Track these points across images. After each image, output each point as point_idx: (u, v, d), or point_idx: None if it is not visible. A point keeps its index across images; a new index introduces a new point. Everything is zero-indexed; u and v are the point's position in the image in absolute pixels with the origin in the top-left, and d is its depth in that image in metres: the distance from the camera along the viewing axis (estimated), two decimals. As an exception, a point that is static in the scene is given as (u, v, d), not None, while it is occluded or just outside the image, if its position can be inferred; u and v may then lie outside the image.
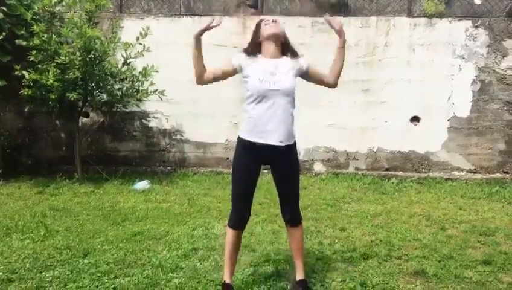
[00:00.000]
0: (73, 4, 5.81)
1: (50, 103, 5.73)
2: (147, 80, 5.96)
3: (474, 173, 6.50)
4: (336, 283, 3.02)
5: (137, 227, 4.13)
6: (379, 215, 4.68)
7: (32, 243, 3.68)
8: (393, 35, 6.47)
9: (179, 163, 6.89)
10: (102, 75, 5.78)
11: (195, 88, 6.66)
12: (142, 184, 5.74)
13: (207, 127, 6.79)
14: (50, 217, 4.42)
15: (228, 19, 6.65)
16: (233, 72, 2.78)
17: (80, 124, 6.39)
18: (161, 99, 6.10)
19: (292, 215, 2.83)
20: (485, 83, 6.40)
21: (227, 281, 2.80)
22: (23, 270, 3.13)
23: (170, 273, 3.12)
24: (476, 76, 6.40)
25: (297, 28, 6.41)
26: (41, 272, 3.11)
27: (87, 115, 6.85)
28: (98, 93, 6.01)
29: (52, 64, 5.54)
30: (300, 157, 6.29)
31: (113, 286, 2.91)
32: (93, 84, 5.89)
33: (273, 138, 2.62)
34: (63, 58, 5.48)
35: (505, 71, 6.35)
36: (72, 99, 5.60)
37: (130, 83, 6.01)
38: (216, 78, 2.87)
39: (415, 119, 6.58)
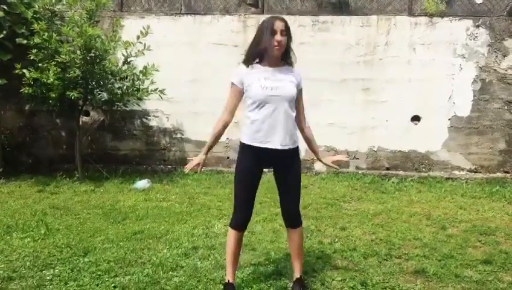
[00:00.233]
0: (74, 3, 5.80)
1: (50, 101, 5.72)
2: (148, 79, 5.95)
3: (475, 172, 6.50)
4: (336, 282, 3.03)
5: (138, 226, 4.13)
6: (379, 214, 4.68)
7: (33, 241, 3.68)
8: (394, 34, 6.46)
9: (179, 162, 6.88)
10: (103, 73, 5.77)
11: (196, 87, 6.74)
12: (143, 183, 5.75)
13: (207, 126, 6.68)
14: (50, 216, 4.42)
15: (229, 18, 6.65)
16: (242, 90, 2.74)
17: (80, 122, 6.39)
18: (161, 98, 6.10)
19: (292, 218, 2.85)
20: (486, 83, 6.40)
21: (230, 280, 2.81)
22: (23, 269, 3.14)
23: (170, 272, 3.12)
24: (476, 75, 6.40)
25: (297, 27, 6.40)
26: (41, 271, 3.12)
27: (87, 114, 6.85)
28: (99, 92, 6.00)
29: (53, 62, 5.53)
30: (301, 156, 6.28)
31: (113, 284, 2.92)
32: (93, 83, 5.89)
33: (275, 142, 2.65)
34: (64, 56, 5.48)
35: (506, 71, 6.35)
36: (72, 98, 5.60)
37: (131, 81, 6.00)
38: (236, 108, 2.81)
39: (416, 118, 6.58)
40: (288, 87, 2.67)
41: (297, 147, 2.79)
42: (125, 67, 5.98)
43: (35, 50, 5.56)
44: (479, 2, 6.40)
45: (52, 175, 6.19)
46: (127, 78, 6.01)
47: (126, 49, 5.89)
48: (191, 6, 6.78)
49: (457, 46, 6.40)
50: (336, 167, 3.08)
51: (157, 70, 5.90)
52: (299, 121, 2.83)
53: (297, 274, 2.87)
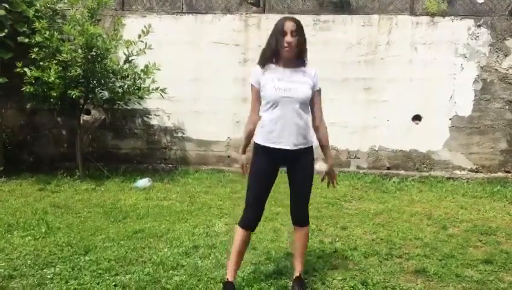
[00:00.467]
0: (75, 1, 5.81)
1: (51, 100, 5.72)
2: (149, 78, 5.95)
3: (476, 172, 6.49)
4: (336, 281, 3.03)
5: (139, 225, 4.13)
6: (380, 214, 4.68)
7: (34, 240, 3.68)
8: (396, 33, 6.46)
9: (180, 161, 6.89)
10: (104, 72, 5.77)
11: (197, 86, 6.74)
12: (143, 182, 5.75)
13: (208, 125, 6.79)
14: (51, 214, 4.42)
15: (230, 17, 6.65)
16: (259, 90, 2.77)
17: (81, 121, 6.39)
18: (163, 97, 6.10)
19: (299, 216, 2.87)
20: (487, 82, 6.39)
21: (230, 279, 2.81)
22: (24, 267, 3.14)
23: (171, 271, 3.12)
24: (478, 75, 6.39)
25: (299, 26, 6.39)
26: (42, 269, 3.12)
27: (88, 113, 6.85)
28: (100, 91, 6.01)
29: (54, 61, 5.53)
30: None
31: (114, 283, 2.92)
32: (94, 82, 5.89)
33: (287, 142, 2.68)
34: (65, 55, 5.48)
35: (507, 70, 6.34)
36: (73, 96, 5.59)
37: (132, 80, 6.00)
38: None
39: (417, 118, 6.57)
40: (302, 89, 2.67)
41: (311, 147, 2.79)
42: (126, 66, 5.98)
43: (37, 48, 5.56)
44: (480, 2, 6.39)
45: (53, 174, 6.19)
46: (128, 77, 6.01)
47: (127, 48, 5.89)
48: (193, 5, 6.78)
49: (458, 46, 6.39)
50: (328, 184, 3.01)
51: (159, 69, 5.90)
52: (314, 121, 2.81)
53: (297, 273, 2.88)
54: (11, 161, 6.49)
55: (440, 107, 6.47)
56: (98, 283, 2.92)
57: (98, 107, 6.58)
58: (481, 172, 6.48)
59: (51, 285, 2.89)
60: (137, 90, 5.98)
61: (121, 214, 4.45)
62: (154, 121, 6.92)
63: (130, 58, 5.99)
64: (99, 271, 3.08)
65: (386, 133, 6.60)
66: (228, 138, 6.79)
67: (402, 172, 6.53)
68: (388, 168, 6.65)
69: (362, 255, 3.50)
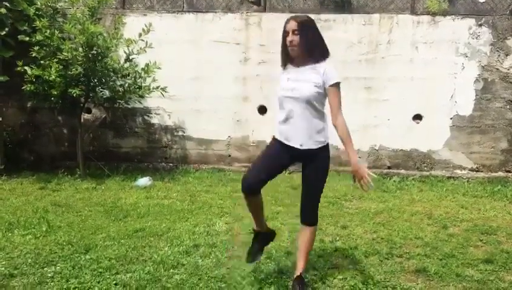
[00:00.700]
0: (76, 0, 5.81)
1: (52, 98, 5.72)
2: (149, 77, 5.95)
3: (477, 171, 6.49)
4: (337, 280, 3.03)
5: (139, 223, 4.14)
6: (381, 213, 4.68)
7: (34, 238, 3.69)
8: (396, 33, 6.45)
9: (181, 160, 6.89)
10: (105, 71, 5.77)
11: (197, 85, 6.73)
12: (144, 180, 5.75)
13: (209, 124, 6.79)
14: (52, 213, 4.43)
15: (231, 16, 6.64)
16: None
17: (82, 120, 6.39)
18: (163, 95, 6.10)
19: (307, 215, 2.89)
20: (488, 82, 6.38)
21: (256, 229, 2.93)
22: (25, 266, 3.14)
23: (171, 270, 3.12)
24: (479, 74, 6.38)
25: (300, 25, 6.38)
26: (43, 268, 3.12)
27: (89, 111, 6.85)
28: (100, 90, 6.00)
29: (55, 60, 5.53)
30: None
31: (114, 281, 2.92)
32: (95, 80, 5.89)
33: (294, 141, 2.71)
34: (66, 54, 5.48)
35: (508, 70, 6.33)
36: (74, 95, 5.60)
37: (132, 79, 6.00)
38: None
39: (418, 117, 6.57)
40: (305, 88, 2.66)
41: (323, 147, 2.77)
42: (127, 64, 5.98)
43: (37, 47, 5.57)
44: (481, 1, 6.38)
45: (53, 172, 6.20)
46: (128, 75, 6.00)
47: (128, 46, 5.89)
48: (193, 4, 6.77)
49: (459, 45, 6.38)
50: (361, 186, 2.81)
51: (159, 68, 5.89)
52: (332, 118, 2.78)
53: (298, 272, 2.87)
54: (11, 160, 6.49)
55: (441, 106, 6.47)
56: (98, 282, 2.92)
57: (98, 105, 6.58)
58: (482, 171, 6.48)
59: (52, 284, 2.89)
60: (137, 89, 5.98)
61: (121, 213, 4.46)
62: (154, 120, 6.92)
63: (130, 57, 5.98)
64: (100, 270, 3.09)
65: (387, 133, 6.60)
66: (229, 136, 6.79)
67: (402, 171, 6.53)
68: (389, 168, 6.64)
69: (363, 254, 3.50)
